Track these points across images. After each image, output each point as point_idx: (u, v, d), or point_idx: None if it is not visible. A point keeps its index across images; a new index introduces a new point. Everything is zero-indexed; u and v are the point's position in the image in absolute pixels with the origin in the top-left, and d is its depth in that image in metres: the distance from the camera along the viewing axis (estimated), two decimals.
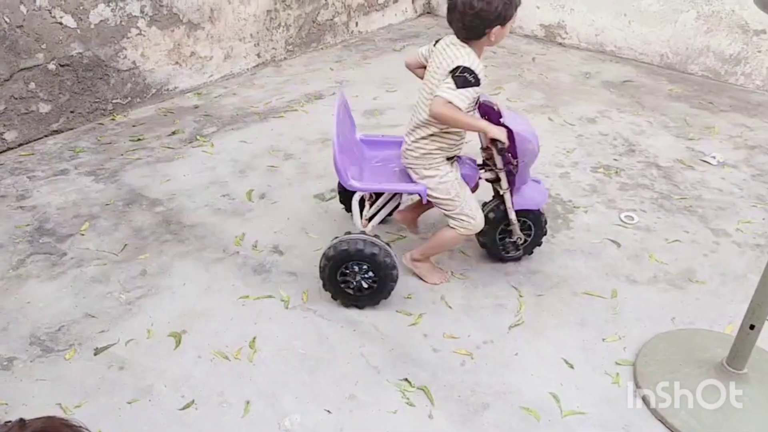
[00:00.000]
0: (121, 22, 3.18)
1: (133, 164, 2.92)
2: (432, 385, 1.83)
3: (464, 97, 1.83)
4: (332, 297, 2.11)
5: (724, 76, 3.92)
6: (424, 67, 2.03)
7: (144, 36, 3.30)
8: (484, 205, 2.21)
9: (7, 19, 2.78)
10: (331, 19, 4.39)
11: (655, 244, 2.47)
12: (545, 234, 2.32)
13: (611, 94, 3.76)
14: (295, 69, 4.06)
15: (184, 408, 1.74)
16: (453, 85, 1.82)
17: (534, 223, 2.26)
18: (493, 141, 1.97)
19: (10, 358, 1.88)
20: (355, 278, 2.04)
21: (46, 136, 3.08)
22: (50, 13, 2.90)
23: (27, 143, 3.02)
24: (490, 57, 4.29)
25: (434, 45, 2.00)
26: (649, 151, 3.15)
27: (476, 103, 2.00)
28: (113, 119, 3.31)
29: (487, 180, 2.19)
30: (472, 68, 1.83)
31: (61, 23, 2.95)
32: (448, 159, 2.05)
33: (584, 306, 2.15)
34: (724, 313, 2.12)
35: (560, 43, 4.53)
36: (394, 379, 1.85)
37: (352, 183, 2.00)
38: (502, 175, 2.11)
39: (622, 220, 2.60)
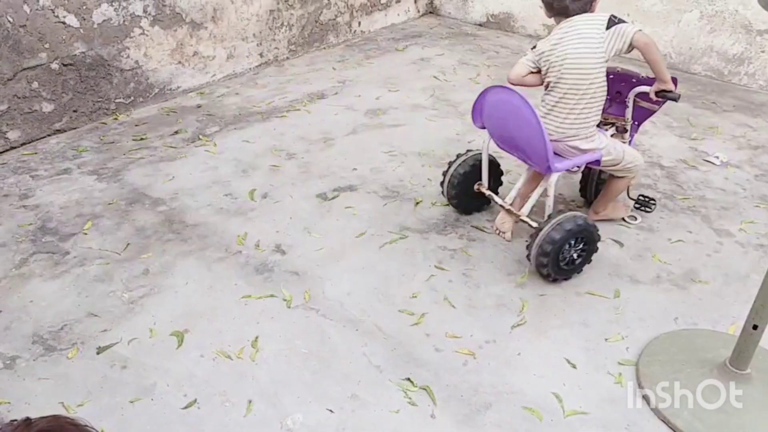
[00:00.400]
0: (124, 21, 3.18)
1: (136, 163, 2.92)
2: (434, 384, 1.83)
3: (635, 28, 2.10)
4: (546, 276, 2.19)
5: (727, 76, 3.91)
6: (533, 73, 2.25)
7: (147, 35, 3.31)
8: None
9: (11, 19, 2.78)
10: (334, 19, 4.39)
11: (658, 244, 2.46)
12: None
13: None
14: (298, 69, 4.06)
15: (186, 407, 1.74)
16: (624, 24, 2.08)
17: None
18: (663, 93, 2.20)
19: (13, 357, 1.89)
20: (569, 253, 2.18)
21: (49, 135, 3.09)
22: (53, 12, 2.91)
23: (30, 142, 3.03)
24: (492, 57, 4.29)
25: (533, 49, 2.22)
26: (653, 151, 3.14)
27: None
28: (116, 119, 3.31)
29: (617, 128, 2.41)
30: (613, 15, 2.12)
31: (64, 23, 2.96)
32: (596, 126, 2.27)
33: (587, 306, 2.14)
34: (728, 314, 2.11)
35: None
36: (396, 378, 1.85)
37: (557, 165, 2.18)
38: (629, 127, 2.40)
39: (624, 220, 2.60)
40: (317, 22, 4.27)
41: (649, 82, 2.26)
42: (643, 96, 2.29)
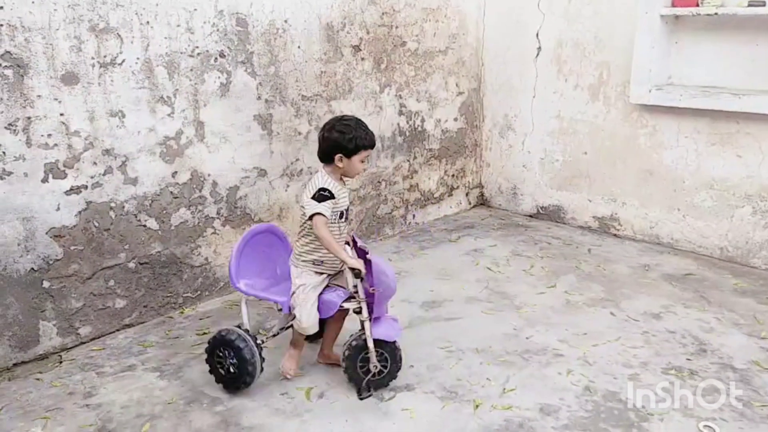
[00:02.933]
0: (198, 223, 3.45)
1: (198, 359, 2.97)
2: None
3: (326, 207, 2.50)
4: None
5: None
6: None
7: (218, 234, 3.55)
8: (351, 335, 2.67)
9: (96, 224, 3.05)
10: (390, 213, 4.63)
11: None
12: (399, 369, 2.72)
13: (674, 288, 3.71)
14: None
15: None
16: (315, 202, 2.50)
17: (390, 356, 2.67)
18: (351, 270, 2.49)
19: None
20: (225, 361, 2.61)
21: (117, 330, 3.22)
22: (136, 217, 3.19)
23: (99, 337, 3.15)
24: (545, 248, 4.37)
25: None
26: (722, 350, 3.02)
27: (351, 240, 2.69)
28: (182, 312, 3.45)
29: (353, 310, 2.61)
30: (326, 186, 2.53)
31: (145, 225, 3.22)
32: (318, 273, 2.63)
33: None
34: None
35: (615, 234, 4.59)
36: None
37: (239, 285, 2.68)
38: (364, 305, 2.56)
39: (701, 431, 2.43)
40: (374, 216, 4.51)
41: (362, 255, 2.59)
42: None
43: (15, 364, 2.91)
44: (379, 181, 4.47)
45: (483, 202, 5.45)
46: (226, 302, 3.58)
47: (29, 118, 2.78)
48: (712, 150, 4.03)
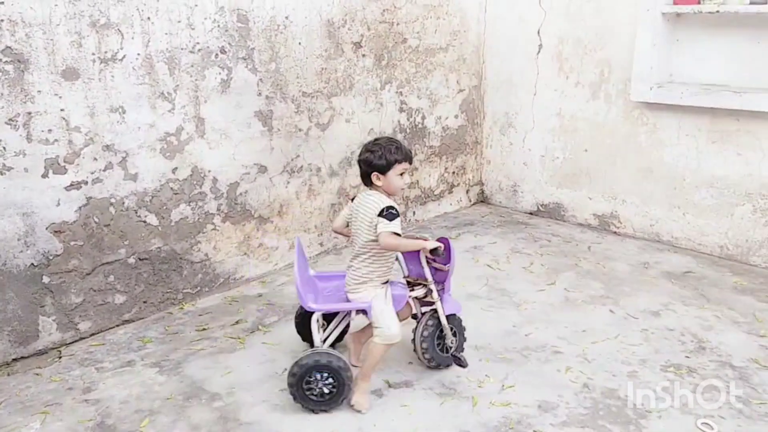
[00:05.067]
0: (198, 219, 3.45)
1: (197, 355, 2.98)
2: None
3: (398, 225, 2.48)
4: (302, 405, 2.53)
5: None
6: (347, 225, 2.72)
7: (218, 230, 3.55)
8: (418, 323, 2.76)
9: (96, 219, 3.06)
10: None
11: None
12: (465, 340, 2.85)
13: (673, 286, 3.71)
14: None
15: None
16: (386, 221, 2.45)
17: (458, 329, 2.80)
18: (433, 251, 2.55)
19: None
20: (317, 385, 2.49)
21: (117, 325, 3.23)
22: (136, 213, 3.19)
23: (99, 333, 3.16)
24: (545, 245, 4.37)
25: (352, 201, 2.67)
26: (721, 348, 3.02)
27: None
28: (182, 308, 3.45)
29: (416, 297, 2.73)
30: (393, 204, 2.51)
31: (145, 221, 3.23)
32: (383, 284, 2.63)
33: None
34: None
35: (615, 232, 4.59)
36: None
37: (311, 305, 2.55)
38: (433, 287, 2.66)
39: (699, 428, 2.43)
40: None
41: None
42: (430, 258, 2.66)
43: (14, 359, 2.92)
44: None
45: (483, 199, 5.45)
46: (225, 298, 3.58)
47: (29, 113, 2.78)
48: (712, 148, 4.02)
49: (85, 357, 2.97)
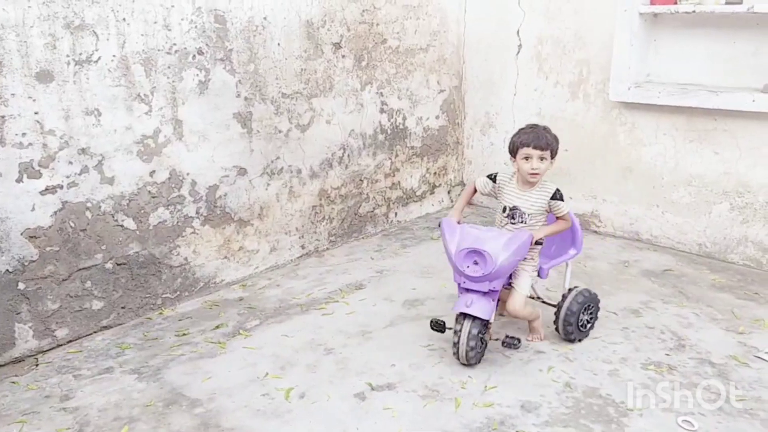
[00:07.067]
0: (177, 222, 3.41)
1: (176, 360, 2.94)
2: None
3: (483, 179, 3.01)
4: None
5: (765, 265, 3.90)
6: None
7: (197, 234, 3.51)
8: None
9: (72, 224, 3.01)
10: (372, 211, 4.61)
11: None
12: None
13: (653, 284, 3.74)
14: (337, 259, 4.20)
15: None
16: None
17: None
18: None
19: None
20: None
21: (95, 332, 3.17)
22: (113, 217, 3.14)
23: (76, 340, 3.10)
24: None
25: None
26: (700, 346, 3.05)
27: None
28: (161, 313, 3.40)
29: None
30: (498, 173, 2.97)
31: (122, 226, 3.18)
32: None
33: None
34: None
35: (595, 231, 4.62)
36: None
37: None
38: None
39: (680, 426, 2.46)
40: (356, 215, 4.49)
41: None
42: None
43: None
44: (360, 179, 4.45)
45: None
46: (206, 302, 3.54)
47: (3, 116, 2.72)
48: (690, 147, 4.07)
49: (62, 364, 2.92)
